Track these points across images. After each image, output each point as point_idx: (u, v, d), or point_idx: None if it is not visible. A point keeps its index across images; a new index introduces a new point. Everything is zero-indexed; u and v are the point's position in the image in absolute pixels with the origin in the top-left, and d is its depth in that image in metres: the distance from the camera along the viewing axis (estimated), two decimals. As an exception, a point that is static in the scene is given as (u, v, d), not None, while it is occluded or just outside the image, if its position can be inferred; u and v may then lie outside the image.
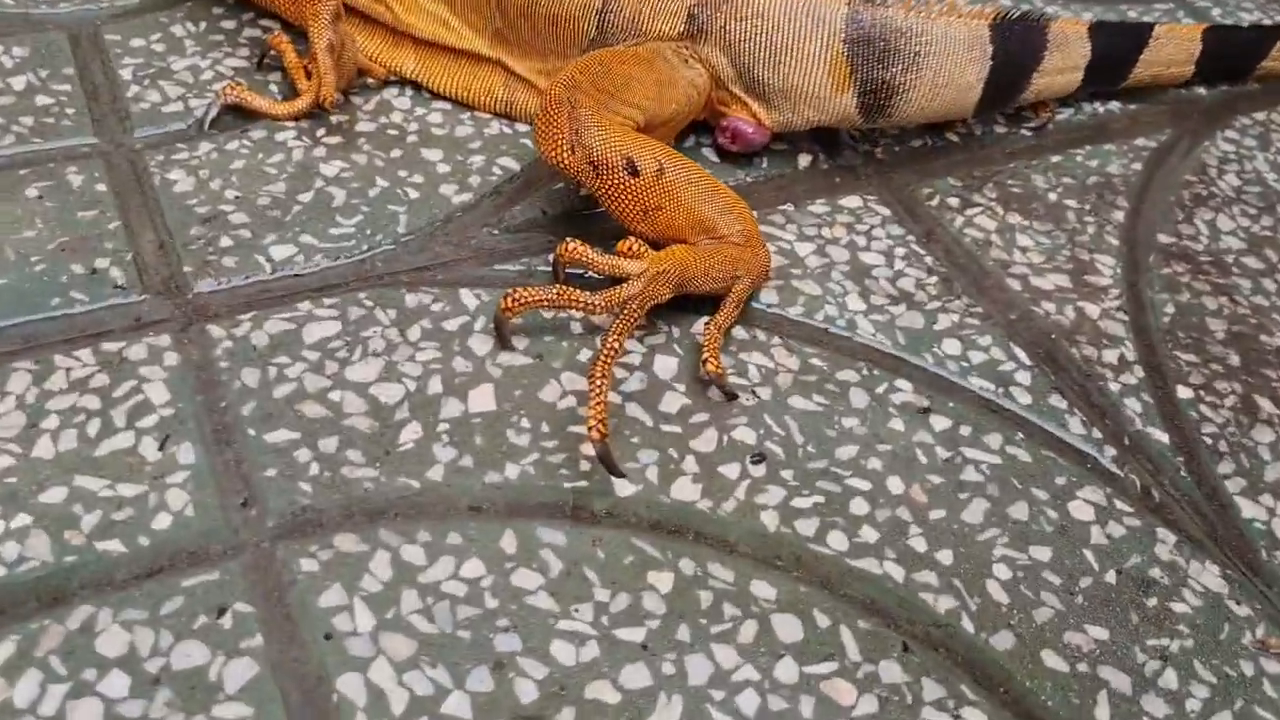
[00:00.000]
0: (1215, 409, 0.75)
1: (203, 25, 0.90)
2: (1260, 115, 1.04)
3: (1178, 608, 0.62)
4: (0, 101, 0.82)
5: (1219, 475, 0.71)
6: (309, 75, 0.83)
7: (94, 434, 0.61)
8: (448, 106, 0.86)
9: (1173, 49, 1.00)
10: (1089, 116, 0.99)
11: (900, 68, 0.82)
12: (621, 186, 0.70)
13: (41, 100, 0.81)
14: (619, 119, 0.72)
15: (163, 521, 0.58)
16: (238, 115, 0.83)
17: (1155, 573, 0.64)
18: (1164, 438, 0.72)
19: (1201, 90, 1.05)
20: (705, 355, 0.68)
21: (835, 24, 0.80)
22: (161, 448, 0.60)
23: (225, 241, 0.72)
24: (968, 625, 0.59)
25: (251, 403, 0.63)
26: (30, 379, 0.63)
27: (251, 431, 0.62)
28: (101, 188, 0.75)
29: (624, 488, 0.62)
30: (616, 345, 0.66)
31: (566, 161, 0.70)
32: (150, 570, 0.56)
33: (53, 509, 0.58)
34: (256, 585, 0.56)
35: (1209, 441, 0.73)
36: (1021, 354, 0.75)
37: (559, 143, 0.70)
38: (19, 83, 0.83)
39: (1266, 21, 1.14)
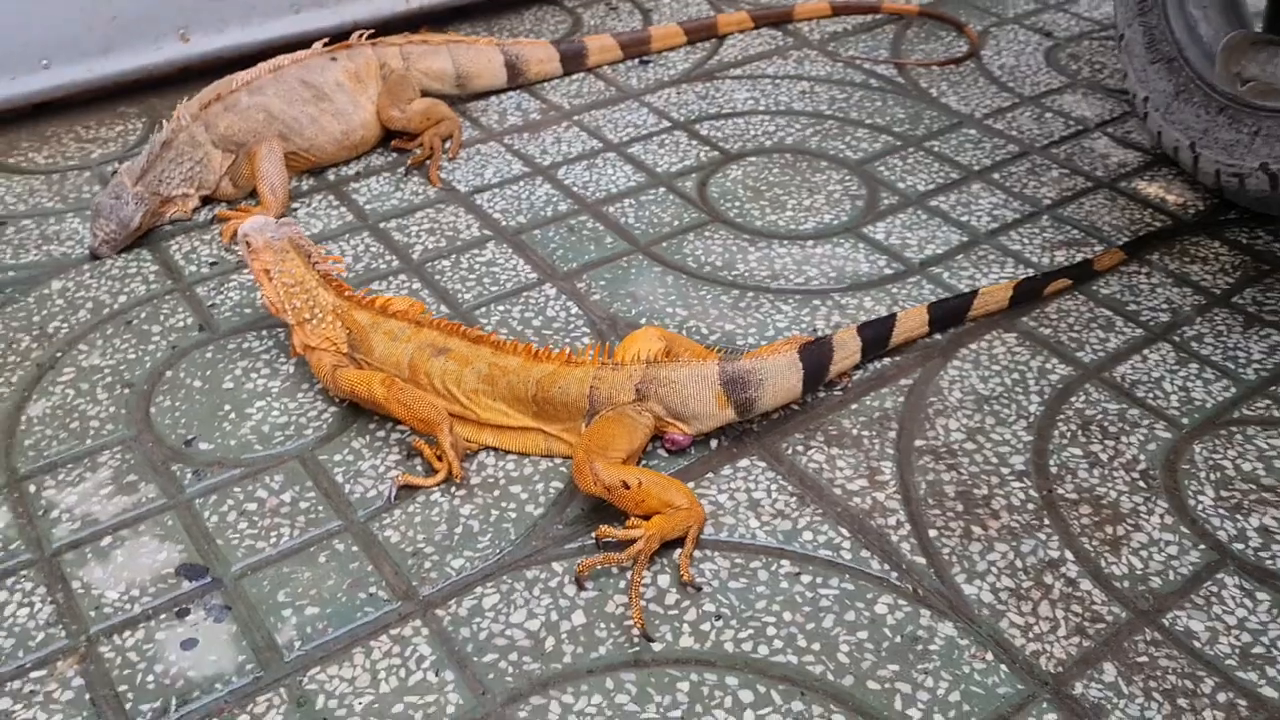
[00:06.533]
0: (949, 538, 1.41)
1: (367, 438, 1.57)
2: (974, 345, 1.73)
3: (930, 648, 1.27)
4: (283, 502, 1.49)
5: (952, 575, 1.36)
6: (440, 459, 1.50)
7: (403, 676, 1.25)
8: (515, 458, 1.53)
9: (912, 322, 1.68)
10: (873, 372, 1.66)
11: (754, 389, 1.50)
12: (623, 495, 1.37)
13: (302, 505, 1.46)
14: (613, 460, 1.40)
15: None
16: (407, 490, 1.50)
17: (920, 633, 1.29)
18: (923, 560, 1.38)
19: (939, 336, 1.76)
20: (681, 571, 1.34)
21: (713, 377, 1.48)
22: (437, 673, 1.25)
23: (427, 564, 1.38)
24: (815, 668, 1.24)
25: (470, 644, 1.29)
26: (363, 656, 1.27)
27: (473, 658, 1.27)
28: (355, 549, 1.40)
29: (655, 646, 1.27)
30: (638, 577, 1.32)
31: (593, 489, 1.38)
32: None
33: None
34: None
35: (945, 556, 1.38)
36: (844, 530, 1.41)
37: (586, 480, 1.38)
38: (288, 497, 1.48)
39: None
